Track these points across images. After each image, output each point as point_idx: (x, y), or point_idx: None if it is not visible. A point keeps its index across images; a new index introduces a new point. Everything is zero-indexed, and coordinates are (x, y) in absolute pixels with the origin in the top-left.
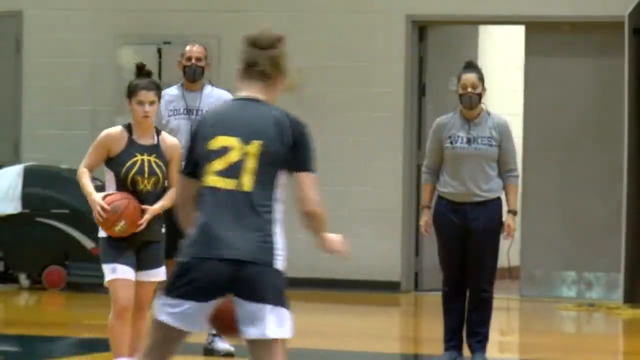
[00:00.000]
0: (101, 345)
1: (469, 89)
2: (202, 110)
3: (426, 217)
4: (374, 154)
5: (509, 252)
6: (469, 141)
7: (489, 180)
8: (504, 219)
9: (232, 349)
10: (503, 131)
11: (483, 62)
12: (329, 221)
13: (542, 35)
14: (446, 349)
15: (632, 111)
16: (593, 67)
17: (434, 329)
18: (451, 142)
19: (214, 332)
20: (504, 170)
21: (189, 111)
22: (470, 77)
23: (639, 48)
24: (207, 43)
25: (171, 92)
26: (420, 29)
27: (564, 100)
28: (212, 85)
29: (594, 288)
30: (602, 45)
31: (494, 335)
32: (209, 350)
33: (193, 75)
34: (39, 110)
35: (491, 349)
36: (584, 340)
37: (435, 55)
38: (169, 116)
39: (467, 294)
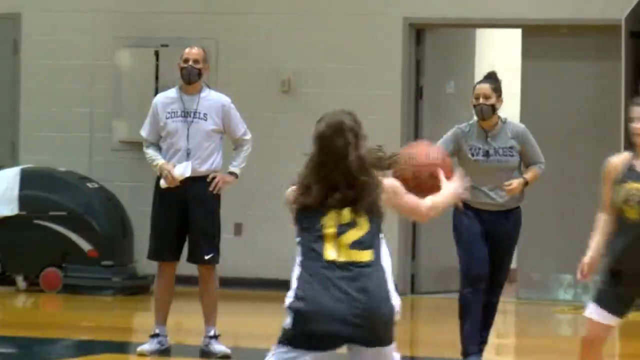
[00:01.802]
0: (98, 347)
1: (481, 100)
2: (199, 113)
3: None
4: None
5: None
6: (488, 153)
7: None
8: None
9: (228, 351)
10: (523, 139)
11: (480, 66)
12: None
13: (539, 38)
14: (474, 352)
15: (630, 114)
16: (590, 70)
17: (430, 332)
18: (472, 154)
19: (210, 334)
20: (530, 165)
21: (186, 114)
22: (482, 87)
23: (635, 51)
24: (205, 46)
25: (169, 94)
26: (418, 32)
27: (561, 103)
28: (210, 88)
29: (590, 291)
30: (599, 49)
31: (490, 338)
32: (205, 353)
33: (189, 77)
34: (37, 112)
35: (488, 352)
36: (580, 344)
37: (433, 58)
38: (167, 118)
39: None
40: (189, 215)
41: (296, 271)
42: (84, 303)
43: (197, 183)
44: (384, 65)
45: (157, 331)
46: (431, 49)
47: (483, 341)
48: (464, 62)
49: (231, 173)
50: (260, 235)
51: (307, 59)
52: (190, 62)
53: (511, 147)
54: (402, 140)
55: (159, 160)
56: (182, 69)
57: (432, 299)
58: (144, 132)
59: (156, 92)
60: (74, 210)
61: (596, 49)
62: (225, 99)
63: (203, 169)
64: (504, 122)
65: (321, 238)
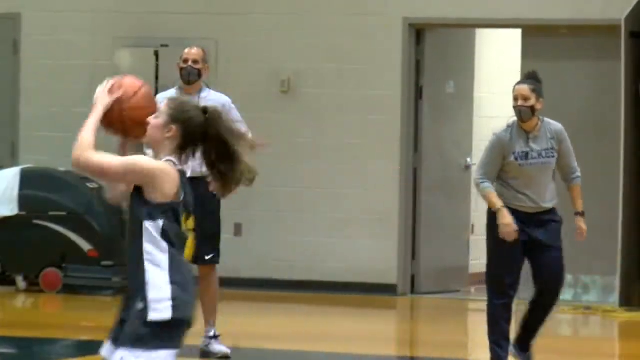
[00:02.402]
0: (98, 347)
1: (519, 101)
2: None
3: (509, 217)
4: (371, 157)
5: None
6: (531, 156)
7: (551, 190)
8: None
9: (228, 351)
10: (561, 138)
11: (480, 66)
12: (326, 223)
13: (539, 38)
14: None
15: (629, 114)
16: (590, 70)
17: (430, 332)
18: (516, 159)
19: (210, 334)
20: (567, 172)
21: None
22: (521, 88)
23: (635, 51)
24: (205, 46)
25: (169, 94)
26: (418, 32)
27: (561, 103)
28: (210, 88)
29: (590, 291)
30: (599, 49)
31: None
32: (205, 353)
33: (188, 77)
34: (37, 113)
35: (487, 353)
36: (580, 344)
37: (433, 58)
38: None
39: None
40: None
41: (167, 260)
42: (84, 303)
43: (197, 184)
44: (384, 65)
45: None
46: (431, 49)
47: (525, 348)
48: (463, 62)
49: None
50: (260, 235)
51: (307, 59)
52: (190, 63)
53: (552, 148)
54: (402, 140)
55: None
56: (181, 69)
57: (432, 299)
58: None
59: (156, 93)
60: (74, 210)
61: (596, 49)
62: (225, 99)
63: (203, 169)
64: (542, 121)
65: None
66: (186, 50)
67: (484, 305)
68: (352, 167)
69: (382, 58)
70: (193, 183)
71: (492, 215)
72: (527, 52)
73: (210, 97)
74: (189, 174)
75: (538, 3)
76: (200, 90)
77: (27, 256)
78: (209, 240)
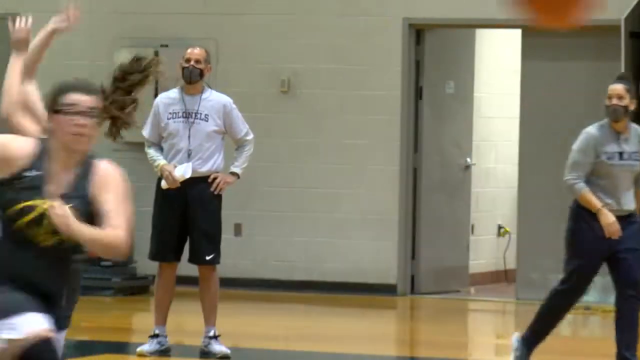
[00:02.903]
0: (97, 347)
1: (614, 100)
2: (200, 114)
3: (611, 215)
4: (371, 157)
5: (505, 255)
6: (621, 156)
7: (632, 194)
8: None
9: (228, 351)
10: None
11: (479, 66)
12: (325, 223)
13: (538, 39)
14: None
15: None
16: (590, 70)
17: (430, 332)
18: (608, 158)
19: (210, 334)
20: None
21: (187, 114)
22: (616, 87)
23: (635, 51)
24: (205, 46)
25: (170, 94)
26: (417, 33)
27: (561, 103)
28: (211, 88)
29: (590, 291)
30: (599, 49)
31: (490, 339)
32: (205, 353)
33: (190, 77)
34: None
35: (487, 352)
36: (580, 344)
37: (432, 58)
38: (168, 119)
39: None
40: (190, 216)
41: None
42: (84, 303)
43: (198, 184)
44: (384, 66)
45: (156, 332)
46: (431, 49)
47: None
48: (463, 63)
49: (232, 173)
50: (260, 235)
51: (307, 59)
52: (192, 62)
53: (638, 152)
54: (402, 141)
55: (160, 161)
56: (183, 68)
57: (432, 299)
58: (145, 132)
59: (156, 93)
60: None
61: (596, 50)
62: (226, 100)
63: (204, 169)
64: (629, 123)
65: None
66: (189, 50)
67: (484, 306)
68: (352, 167)
69: (382, 58)
70: (194, 184)
71: (577, 223)
72: (527, 52)
73: (212, 98)
74: (188, 175)
75: None
76: (202, 91)
77: None
78: (209, 240)
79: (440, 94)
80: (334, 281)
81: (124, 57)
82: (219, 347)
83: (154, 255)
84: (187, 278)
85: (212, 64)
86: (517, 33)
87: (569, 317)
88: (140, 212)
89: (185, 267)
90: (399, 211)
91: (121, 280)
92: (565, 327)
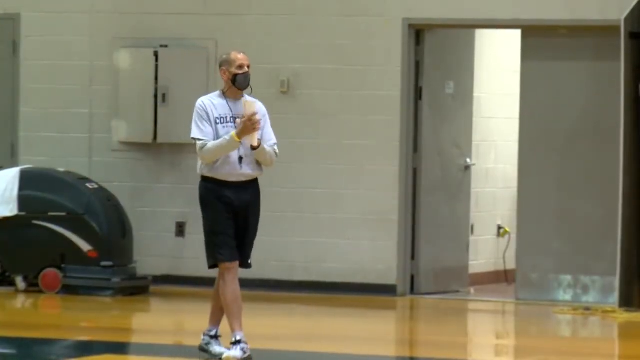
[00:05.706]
0: (97, 347)
1: None
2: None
3: None
4: (371, 157)
5: (505, 255)
6: None
7: None
8: None
9: (227, 351)
10: None
11: (479, 66)
12: (325, 224)
13: (538, 39)
14: None
15: (628, 115)
16: (589, 71)
17: (430, 333)
18: None
19: (212, 333)
20: None
21: (235, 120)
22: None
23: (635, 52)
24: (205, 46)
25: (215, 100)
26: (417, 33)
27: (561, 104)
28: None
29: (590, 292)
30: (599, 49)
31: (490, 339)
32: (204, 352)
33: (247, 82)
34: (36, 113)
35: (487, 353)
36: (580, 344)
37: (432, 58)
38: (216, 124)
39: None
40: (242, 220)
41: None
42: (84, 304)
43: (252, 188)
44: (384, 66)
45: (238, 337)
46: (431, 49)
47: None
48: (463, 63)
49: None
50: (260, 235)
51: (307, 59)
52: (246, 68)
53: None
54: (402, 141)
55: (227, 136)
56: (237, 75)
57: (432, 299)
58: (200, 134)
59: (156, 93)
60: (74, 210)
61: (595, 50)
62: (259, 104)
63: (256, 172)
64: None
65: None
66: (239, 56)
67: (483, 306)
68: (352, 167)
69: (382, 58)
70: (248, 187)
71: None
72: (527, 52)
73: (252, 100)
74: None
75: (537, 3)
76: (242, 95)
77: (26, 257)
78: (252, 245)
79: (440, 94)
80: (334, 281)
81: (123, 57)
82: (219, 348)
83: (226, 257)
84: (187, 278)
85: (212, 64)
86: (517, 33)
87: (569, 317)
88: (140, 212)
89: (186, 267)
90: (399, 211)
91: (121, 280)
92: (565, 327)
